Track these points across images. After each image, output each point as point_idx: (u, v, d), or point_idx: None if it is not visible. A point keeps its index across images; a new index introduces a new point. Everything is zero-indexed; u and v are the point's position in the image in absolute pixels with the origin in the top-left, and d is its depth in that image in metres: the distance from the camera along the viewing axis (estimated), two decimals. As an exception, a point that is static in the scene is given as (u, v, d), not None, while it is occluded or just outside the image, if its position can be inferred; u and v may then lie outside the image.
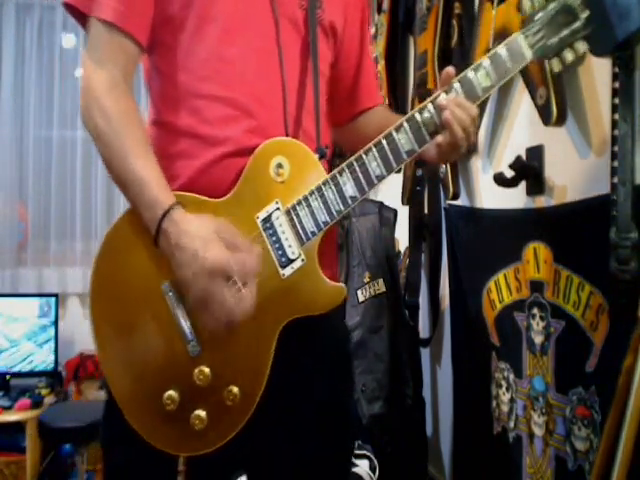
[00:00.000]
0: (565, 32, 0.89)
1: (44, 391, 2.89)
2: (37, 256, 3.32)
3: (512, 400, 1.41)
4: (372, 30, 2.40)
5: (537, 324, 1.30)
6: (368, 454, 1.71)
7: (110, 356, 0.92)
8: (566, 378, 1.22)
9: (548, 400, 1.27)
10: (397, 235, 2.07)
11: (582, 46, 0.91)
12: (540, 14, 0.90)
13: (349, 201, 0.91)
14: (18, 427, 2.73)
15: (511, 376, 1.41)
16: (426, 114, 0.92)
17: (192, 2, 0.92)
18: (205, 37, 0.92)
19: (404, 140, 0.91)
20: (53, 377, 2.98)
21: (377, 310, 1.86)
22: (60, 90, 3.32)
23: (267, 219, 0.90)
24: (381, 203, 1.99)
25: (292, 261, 0.90)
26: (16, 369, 2.97)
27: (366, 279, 1.88)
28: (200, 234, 0.83)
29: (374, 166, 0.91)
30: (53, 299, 3.01)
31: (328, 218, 0.91)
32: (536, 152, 1.36)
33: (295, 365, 0.94)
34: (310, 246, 0.91)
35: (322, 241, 0.92)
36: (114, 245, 0.92)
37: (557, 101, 1.19)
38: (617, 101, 1.04)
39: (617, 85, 1.04)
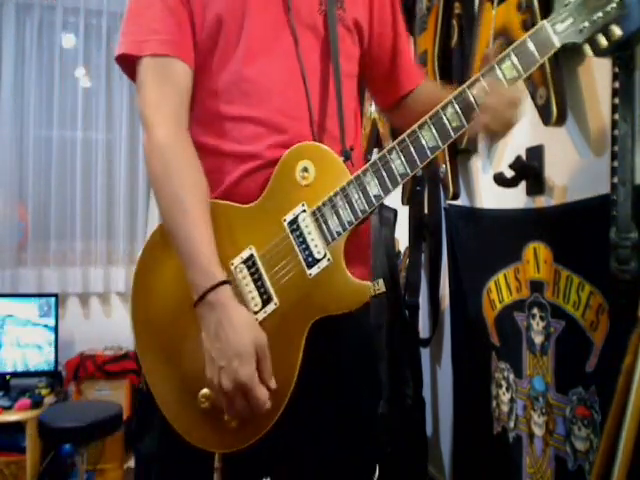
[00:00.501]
0: (598, 15, 0.86)
1: (44, 391, 2.89)
2: (37, 256, 3.32)
3: (512, 400, 1.41)
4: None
5: (537, 324, 1.30)
6: (368, 454, 1.70)
7: (149, 358, 0.96)
8: (566, 378, 1.22)
9: (548, 400, 1.27)
10: (397, 235, 2.07)
11: (618, 30, 0.87)
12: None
13: (373, 200, 0.93)
14: (18, 427, 2.72)
15: (511, 376, 1.41)
16: (450, 110, 0.92)
17: (221, 28, 0.95)
18: (229, 62, 0.96)
19: (428, 137, 0.93)
20: (53, 377, 2.98)
21: (377, 310, 1.86)
22: (60, 90, 3.32)
23: (294, 221, 0.93)
24: (381, 203, 1.99)
25: (318, 261, 0.92)
26: (16, 369, 2.97)
27: (366, 279, 1.88)
28: (243, 341, 0.85)
29: (398, 164, 0.93)
30: (53, 299, 3.01)
31: (353, 217, 0.93)
32: (536, 152, 1.36)
33: (322, 364, 0.95)
34: (336, 246, 0.93)
35: (349, 240, 0.94)
36: (155, 253, 0.96)
37: (557, 101, 1.19)
38: (617, 101, 1.04)
39: (617, 85, 1.04)
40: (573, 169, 1.25)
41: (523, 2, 1.22)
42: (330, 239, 0.93)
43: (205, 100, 0.98)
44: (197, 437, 0.93)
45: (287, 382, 0.91)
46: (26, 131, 3.29)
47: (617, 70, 1.04)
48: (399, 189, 2.13)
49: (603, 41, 0.88)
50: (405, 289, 2.04)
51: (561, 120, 1.20)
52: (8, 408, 2.76)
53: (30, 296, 3.05)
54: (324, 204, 0.93)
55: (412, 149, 0.93)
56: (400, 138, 0.93)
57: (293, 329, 0.92)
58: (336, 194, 0.93)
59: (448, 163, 1.69)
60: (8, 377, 2.95)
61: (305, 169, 0.94)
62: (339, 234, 0.93)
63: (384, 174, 0.93)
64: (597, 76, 1.17)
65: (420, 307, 2.06)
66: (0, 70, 3.25)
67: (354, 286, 0.94)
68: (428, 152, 0.93)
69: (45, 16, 3.30)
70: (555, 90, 1.19)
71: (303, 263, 0.92)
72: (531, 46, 0.91)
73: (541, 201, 1.36)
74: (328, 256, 0.93)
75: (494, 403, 1.49)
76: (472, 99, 0.92)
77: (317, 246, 0.92)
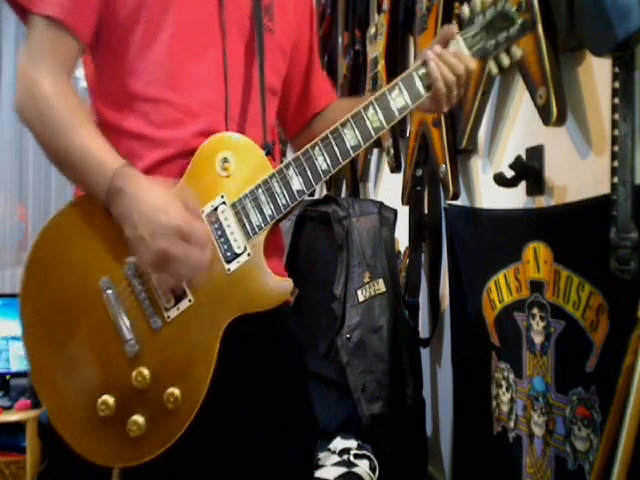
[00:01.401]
0: (501, 37, 0.93)
1: (44, 391, 2.89)
2: (37, 256, 3.32)
3: (512, 400, 1.41)
4: (372, 30, 2.40)
5: (537, 324, 1.30)
6: (368, 454, 1.71)
7: (40, 361, 0.87)
8: (566, 378, 1.22)
9: (548, 400, 1.27)
10: (397, 235, 2.07)
11: (518, 51, 0.94)
12: (479, 17, 0.94)
13: (296, 195, 0.91)
14: (18, 427, 2.72)
15: (511, 376, 1.41)
16: (371, 110, 0.93)
17: (142, 7, 0.91)
18: (155, 42, 0.91)
19: (350, 135, 0.92)
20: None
21: (377, 310, 1.86)
22: (60, 90, 3.32)
23: (212, 213, 0.89)
24: (381, 203, 1.99)
25: (238, 255, 0.89)
26: (16, 369, 2.97)
27: (366, 279, 1.88)
28: (160, 195, 0.81)
29: (321, 160, 0.92)
30: (53, 299, 3.01)
31: (275, 212, 0.90)
32: (536, 152, 1.36)
33: (239, 365, 0.91)
34: (257, 240, 0.90)
35: (269, 235, 0.91)
36: (48, 243, 0.88)
37: (557, 101, 1.19)
38: (617, 101, 1.04)
39: (617, 85, 1.04)
40: (573, 169, 1.25)
41: (523, 2, 1.22)
42: (251, 233, 0.89)
43: (121, 79, 0.92)
44: (93, 451, 0.85)
45: (200, 386, 0.85)
46: (26, 131, 3.29)
47: (617, 70, 1.04)
48: (399, 189, 2.13)
49: (506, 60, 0.95)
50: (405, 289, 2.04)
51: (561, 120, 1.20)
52: (8, 408, 2.76)
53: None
54: (245, 197, 0.90)
55: (335, 147, 0.92)
56: (323, 135, 0.92)
57: (208, 328, 0.87)
58: (258, 187, 0.90)
59: (448, 163, 1.69)
60: (8, 377, 2.95)
61: (225, 159, 0.90)
62: (260, 228, 0.90)
63: (307, 170, 0.91)
64: (597, 76, 1.17)
65: (420, 307, 2.06)
66: (0, 70, 3.25)
67: (275, 282, 0.91)
68: (350, 151, 0.92)
69: (45, 16, 3.30)
70: (555, 90, 1.19)
71: (221, 258, 0.88)
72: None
73: (541, 201, 1.36)
74: (248, 250, 0.89)
75: (494, 403, 1.49)
76: (392, 103, 0.93)
77: (237, 240, 0.89)
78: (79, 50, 0.92)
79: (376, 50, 2.34)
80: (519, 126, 1.47)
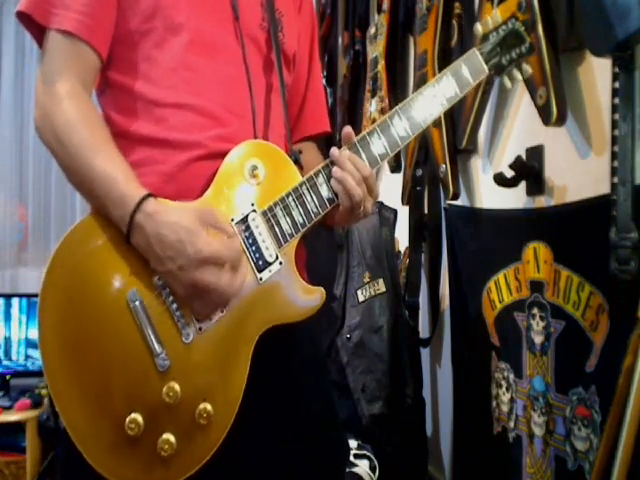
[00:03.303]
0: (513, 54, 0.97)
1: (44, 391, 2.89)
2: (37, 256, 3.32)
3: (512, 400, 1.41)
4: (372, 30, 2.40)
5: (537, 324, 1.30)
6: (368, 454, 1.71)
7: (62, 377, 0.80)
8: (566, 378, 1.22)
9: (548, 400, 1.27)
10: (397, 235, 2.07)
11: (528, 69, 0.98)
12: (493, 34, 0.99)
13: (326, 202, 0.90)
14: (18, 427, 2.72)
15: (511, 376, 1.41)
16: (397, 120, 0.94)
17: (155, 14, 0.90)
18: (171, 47, 0.90)
19: (377, 144, 0.93)
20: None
21: (377, 310, 1.86)
22: (60, 90, 3.32)
23: (243, 221, 0.87)
24: (381, 203, 1.99)
25: (270, 264, 0.87)
26: (16, 369, 2.97)
27: (366, 279, 1.88)
28: (183, 224, 0.79)
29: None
30: (53, 299, 3.01)
31: (305, 219, 0.89)
32: (536, 152, 1.36)
33: (272, 375, 0.89)
34: (288, 249, 0.88)
35: (298, 244, 0.90)
36: (70, 253, 0.83)
37: (557, 101, 1.19)
38: (617, 101, 1.04)
39: (617, 85, 1.04)
40: (573, 169, 1.25)
41: (523, 2, 1.22)
42: (282, 241, 0.88)
43: (135, 88, 0.91)
44: (123, 474, 0.79)
45: (233, 399, 0.82)
46: (26, 131, 3.29)
47: (617, 70, 1.04)
48: (399, 189, 2.13)
49: (518, 76, 0.99)
50: (405, 289, 2.04)
51: (561, 120, 1.20)
52: (8, 408, 2.76)
53: (30, 296, 3.05)
54: (276, 204, 0.88)
55: (363, 154, 0.92)
56: (351, 143, 0.92)
57: (241, 339, 0.84)
58: (288, 195, 0.89)
59: (448, 163, 1.69)
60: (8, 377, 2.95)
61: (254, 167, 0.89)
62: (291, 236, 0.88)
63: None
64: (597, 76, 1.17)
65: (420, 307, 2.06)
66: (0, 70, 3.25)
67: (308, 291, 0.89)
68: (378, 158, 0.92)
69: (45, 16, 3.30)
70: (555, 90, 1.19)
71: (253, 266, 0.86)
72: (465, 70, 0.97)
73: (541, 201, 1.36)
74: (280, 259, 0.87)
75: (494, 403, 1.49)
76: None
77: (268, 248, 0.87)
78: (98, 65, 0.91)
79: (376, 50, 2.34)
80: (519, 126, 1.47)
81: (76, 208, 3.31)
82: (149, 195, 0.81)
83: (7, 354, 2.96)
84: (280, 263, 0.88)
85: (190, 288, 0.80)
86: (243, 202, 0.88)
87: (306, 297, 0.89)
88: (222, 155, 0.89)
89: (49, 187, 3.32)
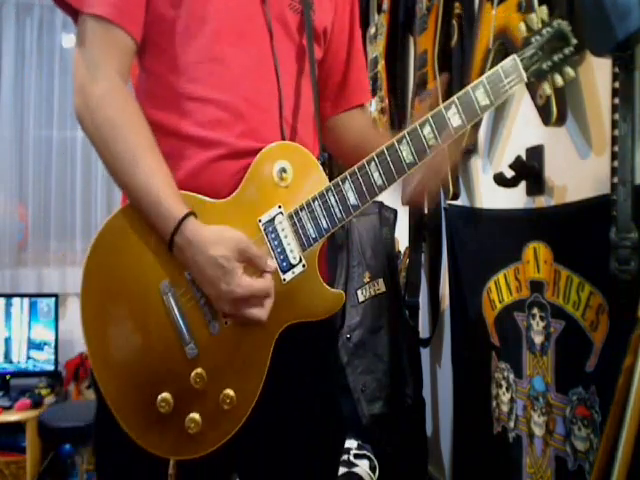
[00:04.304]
0: (556, 57, 0.92)
1: (44, 391, 2.89)
2: (37, 256, 3.32)
3: (512, 400, 1.41)
4: (372, 30, 2.40)
5: (537, 324, 1.30)
6: (368, 454, 1.71)
7: (102, 357, 0.89)
8: (566, 378, 1.22)
9: (548, 400, 1.27)
10: (397, 235, 2.07)
11: (571, 71, 0.93)
12: (536, 37, 0.92)
13: (351, 209, 0.91)
14: (18, 427, 2.72)
15: (511, 376, 1.41)
16: (427, 129, 0.91)
17: (182, 1, 0.90)
18: (196, 38, 0.91)
19: (406, 152, 0.91)
20: (53, 377, 2.98)
21: (377, 310, 1.86)
22: (60, 90, 3.32)
23: (270, 222, 0.89)
24: (381, 203, 1.99)
25: (293, 266, 0.90)
26: (16, 369, 2.97)
27: (366, 279, 1.88)
28: (219, 261, 0.82)
29: (376, 177, 0.91)
30: (53, 299, 3.01)
31: (330, 225, 0.91)
32: (536, 152, 1.36)
33: (287, 369, 0.93)
34: (311, 252, 0.91)
35: (322, 248, 0.93)
36: (109, 242, 0.88)
37: (557, 101, 1.19)
38: (617, 101, 1.04)
39: (617, 85, 1.04)
40: (573, 169, 1.25)
41: (523, 2, 1.22)
42: (307, 245, 0.90)
43: (164, 76, 0.92)
44: (153, 443, 0.88)
45: (254, 388, 0.89)
46: (26, 131, 3.29)
47: (617, 70, 1.04)
48: (399, 189, 2.13)
49: (560, 81, 0.93)
50: (405, 289, 2.04)
51: (561, 120, 1.20)
52: (8, 408, 2.76)
53: (30, 296, 3.05)
54: (302, 208, 0.90)
55: (390, 163, 0.91)
56: (379, 150, 0.91)
57: (263, 334, 0.89)
58: (314, 199, 0.90)
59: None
60: (8, 377, 2.95)
61: (283, 170, 0.91)
62: (315, 240, 0.90)
63: (362, 185, 0.91)
64: (597, 76, 1.17)
65: (420, 307, 2.06)
66: (0, 70, 3.25)
67: (328, 294, 0.93)
68: (406, 167, 0.92)
69: (45, 16, 3.30)
70: (555, 90, 1.19)
71: (278, 267, 0.89)
72: (502, 77, 0.92)
73: (541, 201, 1.36)
74: (303, 262, 0.90)
75: (494, 403, 1.49)
76: (449, 122, 0.92)
77: (293, 251, 0.90)
78: (134, 50, 0.91)
79: (376, 50, 2.34)
80: (519, 126, 1.47)
81: (76, 208, 3.31)
82: (188, 215, 0.84)
83: (7, 354, 2.96)
84: (303, 266, 0.91)
85: (224, 313, 0.86)
86: (271, 204, 0.90)
87: (327, 299, 0.93)
88: (246, 153, 0.90)
89: (49, 187, 3.32)
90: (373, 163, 0.91)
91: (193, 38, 0.91)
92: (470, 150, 1.69)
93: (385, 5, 2.27)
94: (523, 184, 1.39)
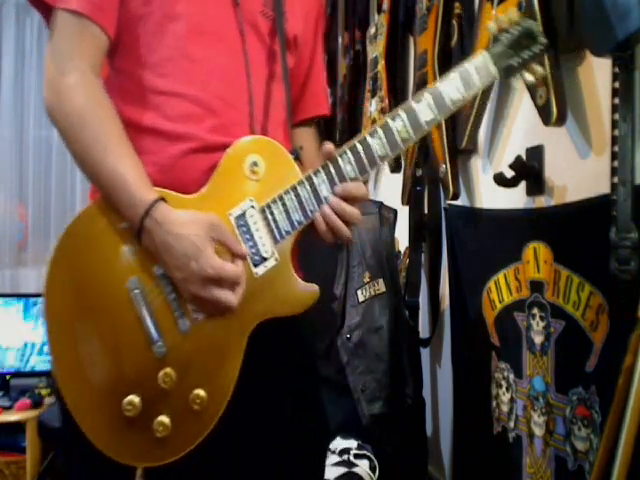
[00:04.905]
0: (526, 55, 0.94)
1: (44, 391, 2.89)
2: (37, 256, 3.32)
3: (512, 400, 1.41)
4: (372, 30, 2.40)
5: (537, 324, 1.30)
6: (368, 454, 1.71)
7: (65, 358, 0.86)
8: (566, 378, 1.22)
9: (548, 400, 1.27)
10: (397, 235, 2.07)
11: (540, 69, 0.96)
12: (505, 35, 0.95)
13: (324, 202, 0.91)
14: (18, 427, 2.73)
15: (511, 376, 1.41)
16: (399, 123, 0.92)
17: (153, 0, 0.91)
18: (168, 35, 0.91)
19: (378, 146, 0.92)
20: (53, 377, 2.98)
21: (377, 310, 1.86)
22: (60, 90, 3.32)
23: (241, 216, 0.88)
24: (381, 203, 1.99)
25: (265, 260, 0.89)
26: (16, 369, 2.97)
27: (366, 279, 1.89)
28: (191, 239, 0.81)
29: (349, 169, 0.91)
30: (53, 299, 3.01)
31: (303, 218, 0.90)
32: (536, 152, 1.36)
33: (260, 368, 0.90)
34: (284, 246, 0.90)
35: (295, 241, 0.92)
36: (74, 240, 0.87)
37: (557, 101, 1.19)
38: (617, 101, 1.04)
39: (617, 85, 1.04)
40: (573, 169, 1.25)
41: (523, 2, 1.22)
42: (279, 238, 0.89)
43: (134, 72, 0.92)
44: (119, 450, 0.84)
45: (226, 387, 0.86)
46: (26, 131, 3.30)
47: (617, 70, 1.04)
48: (399, 189, 2.13)
49: (529, 77, 0.97)
50: (405, 289, 2.04)
51: (561, 120, 1.20)
52: (8, 408, 2.76)
53: (30, 296, 3.05)
54: (274, 201, 0.89)
55: (363, 155, 0.91)
56: (351, 143, 0.92)
57: (235, 331, 0.87)
58: (287, 192, 0.89)
59: (448, 163, 1.69)
60: (8, 377, 2.95)
61: (255, 163, 0.90)
62: (288, 234, 0.89)
63: (335, 177, 0.91)
64: (597, 76, 1.17)
65: (420, 307, 2.06)
66: (0, 70, 3.25)
67: (302, 288, 0.91)
68: (378, 160, 0.92)
69: (45, 16, 3.30)
70: (555, 90, 1.19)
71: (249, 261, 0.88)
72: (472, 72, 0.94)
73: (541, 201, 1.36)
74: (276, 255, 0.89)
75: (494, 403, 1.49)
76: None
77: (265, 245, 0.88)
78: (106, 46, 0.91)
79: (376, 50, 2.34)
80: (519, 126, 1.47)
81: (76, 208, 3.31)
82: (158, 200, 0.83)
83: (7, 354, 2.96)
84: (276, 260, 0.89)
85: (192, 297, 0.83)
86: (242, 197, 0.89)
87: (300, 293, 0.91)
88: (217, 148, 0.90)
89: (49, 187, 3.32)
90: (345, 155, 0.91)
91: (164, 36, 0.91)
92: (470, 150, 1.69)
93: (385, 5, 2.27)
94: (523, 184, 1.39)
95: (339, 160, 0.91)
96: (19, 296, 3.09)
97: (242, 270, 0.85)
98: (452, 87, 0.93)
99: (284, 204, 0.90)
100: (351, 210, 0.90)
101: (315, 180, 0.91)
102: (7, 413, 2.74)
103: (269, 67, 0.99)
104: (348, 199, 0.91)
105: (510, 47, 0.94)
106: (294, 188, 0.90)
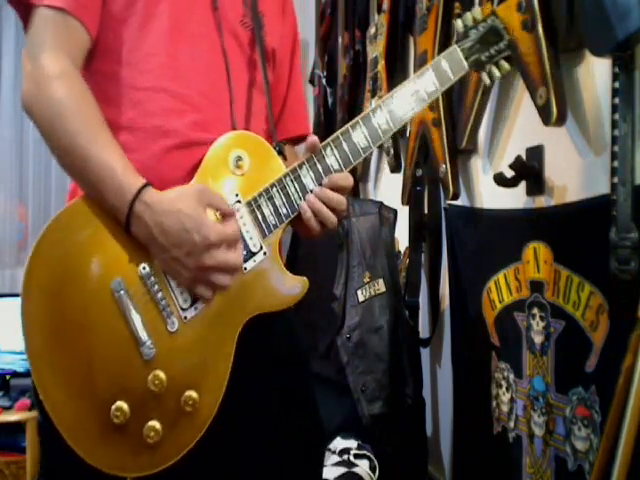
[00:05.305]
0: (493, 50, 1.00)
1: (44, 391, 2.89)
2: (37, 256, 3.32)
3: (512, 400, 1.41)
4: (372, 30, 2.40)
5: (537, 324, 1.30)
6: (368, 454, 1.71)
7: (46, 364, 0.81)
8: (566, 378, 1.22)
9: (548, 400, 1.27)
10: (397, 235, 2.07)
11: (506, 65, 1.01)
12: (473, 31, 1.00)
13: (310, 193, 0.91)
14: (18, 427, 2.73)
15: (511, 376, 1.41)
16: (381, 118, 0.94)
17: (135, 1, 0.91)
18: (150, 33, 0.91)
19: (360, 137, 0.93)
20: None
21: (377, 310, 1.86)
22: (60, 90, 3.33)
23: None
24: (381, 203, 1.99)
25: (254, 254, 0.88)
26: (16, 369, 2.97)
27: (366, 279, 1.88)
28: (186, 211, 0.80)
29: (332, 160, 0.92)
30: (53, 299, 3.01)
31: (290, 210, 0.90)
32: (536, 152, 1.36)
33: (250, 366, 0.90)
34: (272, 239, 0.90)
35: (281, 235, 0.92)
36: (53, 241, 0.83)
37: (557, 101, 1.19)
38: (617, 101, 1.04)
39: (617, 85, 1.04)
40: (573, 169, 1.25)
41: (523, 2, 1.22)
42: (267, 231, 0.89)
43: (114, 72, 0.91)
44: (108, 461, 0.80)
45: (218, 387, 0.84)
46: (26, 131, 3.30)
47: (617, 70, 1.04)
48: (399, 189, 2.13)
49: (496, 72, 1.01)
50: (405, 289, 2.04)
51: (561, 120, 1.20)
52: (8, 408, 2.76)
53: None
54: (260, 195, 0.89)
55: (346, 147, 0.92)
56: (334, 135, 0.93)
57: (225, 328, 0.85)
58: (272, 186, 0.90)
59: (448, 163, 1.69)
60: (8, 377, 2.95)
61: (239, 158, 0.90)
62: (276, 227, 0.90)
63: (320, 169, 0.91)
64: (597, 76, 1.17)
65: (420, 307, 2.06)
66: (0, 70, 3.25)
67: (291, 281, 0.90)
68: (361, 151, 0.93)
69: (45, 16, 3.31)
70: (555, 90, 1.19)
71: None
72: (445, 65, 0.98)
73: (541, 201, 1.36)
74: (264, 249, 0.89)
75: (494, 403, 1.49)
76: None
77: (252, 239, 0.88)
78: (88, 45, 0.90)
79: (376, 50, 2.34)
80: (519, 126, 1.47)
81: (76, 208, 3.32)
82: (147, 184, 0.82)
83: (7, 354, 2.96)
84: (264, 253, 0.89)
85: (196, 271, 0.81)
86: (227, 193, 0.89)
87: (289, 286, 0.91)
88: (199, 144, 0.90)
89: (49, 187, 3.33)
90: (329, 148, 0.92)
91: (146, 34, 0.91)
92: (470, 150, 1.69)
93: (385, 5, 2.27)
94: (523, 184, 1.39)
95: (322, 152, 0.92)
96: (19, 296, 3.09)
97: (237, 225, 0.85)
98: (429, 79, 0.97)
99: (270, 197, 0.90)
100: (337, 197, 0.91)
101: (300, 172, 0.91)
102: (7, 413, 2.74)
103: (250, 74, 1.00)
104: (335, 189, 0.91)
105: (479, 42, 0.99)
106: (279, 181, 0.90)
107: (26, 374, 2.97)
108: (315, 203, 0.90)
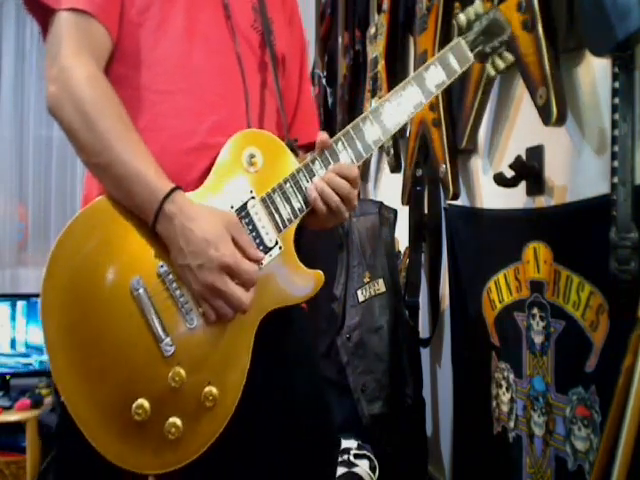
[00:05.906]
0: (496, 41, 1.03)
1: (44, 391, 2.89)
2: (37, 256, 3.32)
3: (512, 400, 1.41)
4: (372, 30, 2.40)
5: (537, 324, 1.30)
6: (368, 454, 1.71)
7: (67, 364, 0.81)
8: (566, 378, 1.22)
9: (548, 400, 1.27)
10: (397, 235, 2.07)
11: (509, 56, 1.04)
12: (477, 24, 1.03)
13: None
14: (18, 427, 2.73)
15: (511, 376, 1.41)
16: (388, 106, 0.97)
17: (150, 7, 0.92)
18: (165, 36, 0.92)
19: (371, 131, 0.95)
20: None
21: (377, 310, 1.86)
22: (60, 90, 3.32)
23: (242, 208, 0.89)
24: (381, 203, 1.99)
25: (270, 249, 0.90)
26: (16, 369, 2.97)
27: (366, 279, 1.88)
28: (211, 225, 0.81)
29: (344, 155, 0.94)
30: (53, 299, 3.01)
31: (304, 205, 0.92)
32: (536, 152, 1.36)
33: (268, 360, 0.91)
34: (287, 234, 0.91)
35: (295, 230, 0.93)
36: (74, 239, 0.83)
37: (557, 101, 1.19)
38: (617, 101, 1.04)
39: (617, 85, 1.04)
40: (573, 169, 1.25)
41: (523, 2, 1.22)
42: (282, 226, 0.90)
43: (130, 76, 0.92)
44: (130, 459, 0.80)
45: (238, 382, 0.84)
46: (26, 131, 3.30)
47: (617, 70, 1.04)
48: (399, 189, 2.13)
49: (500, 63, 1.04)
50: (405, 289, 2.04)
51: (561, 120, 1.20)
52: (8, 408, 2.76)
53: (30, 296, 3.05)
54: (274, 191, 0.90)
55: (357, 141, 0.94)
56: (345, 130, 0.95)
57: (243, 324, 0.86)
58: (286, 181, 0.91)
59: (448, 163, 1.69)
60: (8, 377, 2.95)
61: (252, 155, 0.91)
62: (290, 221, 0.91)
63: (332, 163, 0.93)
64: (597, 76, 1.17)
65: (420, 307, 2.06)
66: (0, 70, 3.25)
67: (307, 275, 0.92)
68: (372, 145, 0.95)
69: (45, 16, 3.30)
70: (555, 90, 1.19)
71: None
72: (452, 58, 1.01)
73: (541, 201, 1.36)
74: (280, 244, 0.90)
75: (494, 403, 1.49)
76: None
77: (268, 234, 0.89)
78: (109, 48, 0.91)
79: (376, 50, 2.34)
80: (519, 126, 1.47)
81: (76, 208, 3.31)
82: (179, 187, 0.83)
83: (7, 354, 2.96)
84: (280, 248, 0.90)
85: (204, 288, 0.82)
86: (242, 190, 0.90)
87: (305, 280, 0.92)
88: (215, 147, 0.90)
89: (49, 187, 3.33)
90: (340, 142, 0.94)
91: (161, 37, 0.92)
92: (470, 150, 1.69)
93: (385, 5, 2.27)
94: (523, 184, 1.39)
95: (334, 147, 0.94)
96: (19, 296, 3.09)
97: (257, 271, 0.85)
98: (437, 70, 0.99)
99: (284, 192, 0.91)
100: (345, 184, 0.92)
101: (313, 167, 0.93)
102: (7, 413, 2.74)
103: (261, 76, 1.01)
104: (340, 175, 0.93)
105: (482, 34, 1.02)
106: (293, 176, 0.92)
107: (26, 374, 2.97)
108: (325, 190, 0.91)
